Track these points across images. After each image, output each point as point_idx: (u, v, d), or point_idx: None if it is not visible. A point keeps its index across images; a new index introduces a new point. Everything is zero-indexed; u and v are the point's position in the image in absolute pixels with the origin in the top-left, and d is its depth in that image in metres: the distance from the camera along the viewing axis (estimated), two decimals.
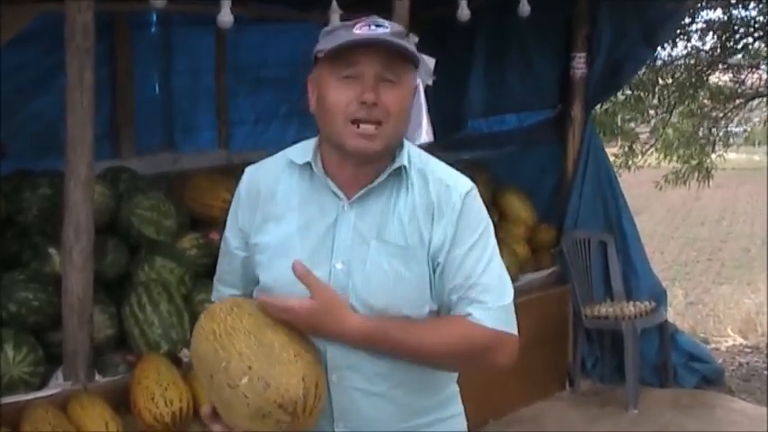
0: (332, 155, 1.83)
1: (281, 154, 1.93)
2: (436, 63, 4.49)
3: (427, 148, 4.96)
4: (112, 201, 4.21)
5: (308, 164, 1.86)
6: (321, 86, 1.81)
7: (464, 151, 6.37)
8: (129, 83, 5.27)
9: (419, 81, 4.37)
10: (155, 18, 5.42)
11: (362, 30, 1.75)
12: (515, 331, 1.83)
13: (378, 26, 1.76)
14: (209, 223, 4.54)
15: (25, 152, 4.79)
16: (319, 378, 1.73)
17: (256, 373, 1.67)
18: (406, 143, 1.88)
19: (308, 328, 1.76)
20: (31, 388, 3.52)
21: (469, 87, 6.19)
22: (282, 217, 1.85)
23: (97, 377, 3.65)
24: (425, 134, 4.37)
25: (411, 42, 1.84)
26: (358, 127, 1.75)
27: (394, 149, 1.84)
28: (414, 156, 1.88)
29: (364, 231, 1.81)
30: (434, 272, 1.82)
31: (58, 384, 3.58)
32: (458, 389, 2.01)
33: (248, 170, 1.96)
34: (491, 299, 1.81)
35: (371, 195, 1.83)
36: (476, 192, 1.88)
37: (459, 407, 2.01)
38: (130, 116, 5.29)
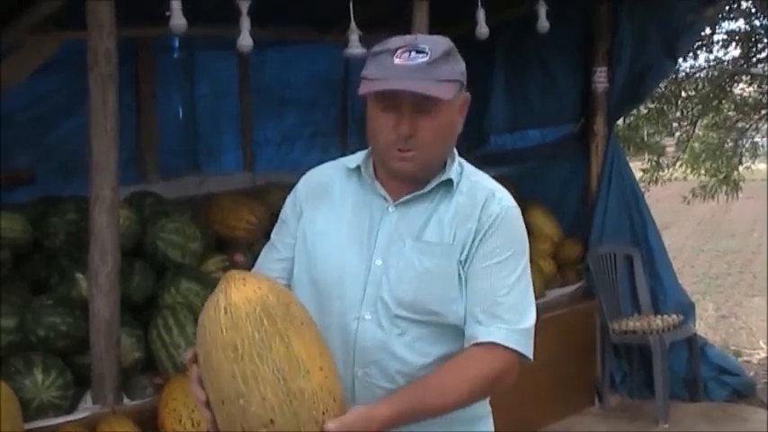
0: (381, 166, 1.93)
1: (338, 160, 2.04)
2: None
3: None
4: (138, 225, 4.25)
5: (359, 168, 1.95)
6: (368, 110, 1.88)
7: (487, 168, 6.33)
8: (153, 107, 5.33)
9: None
10: (177, 43, 5.49)
11: (402, 59, 1.79)
12: (531, 356, 1.87)
13: (418, 52, 1.79)
14: (233, 245, 4.57)
15: (52, 178, 4.86)
16: None
17: (278, 429, 1.56)
18: (459, 159, 1.96)
19: None
20: (60, 411, 3.55)
21: (491, 104, 6.21)
22: (334, 213, 1.94)
23: (125, 400, 3.67)
24: None
25: (452, 65, 1.84)
26: (399, 151, 1.84)
27: (436, 166, 1.90)
28: (467, 169, 1.96)
29: (403, 231, 1.88)
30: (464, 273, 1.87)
31: (86, 408, 3.60)
32: (490, 409, 2.03)
33: (308, 172, 2.06)
34: (514, 319, 1.83)
35: (416, 200, 1.90)
36: (518, 212, 1.94)
37: (489, 427, 2.03)
38: (155, 140, 5.35)
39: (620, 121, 7.13)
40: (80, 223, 4.14)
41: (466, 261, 1.86)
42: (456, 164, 1.93)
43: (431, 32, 4.39)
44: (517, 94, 6.19)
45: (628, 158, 6.89)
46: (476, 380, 1.80)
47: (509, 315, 1.83)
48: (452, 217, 1.87)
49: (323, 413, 1.59)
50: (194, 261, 4.29)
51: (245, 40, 4.03)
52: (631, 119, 8.54)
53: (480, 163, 6.47)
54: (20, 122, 4.76)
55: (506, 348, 1.82)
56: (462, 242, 1.86)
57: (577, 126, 6.16)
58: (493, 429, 2.04)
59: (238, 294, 1.61)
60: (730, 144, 9.38)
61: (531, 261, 6.18)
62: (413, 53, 1.79)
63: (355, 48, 4.36)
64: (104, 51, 3.46)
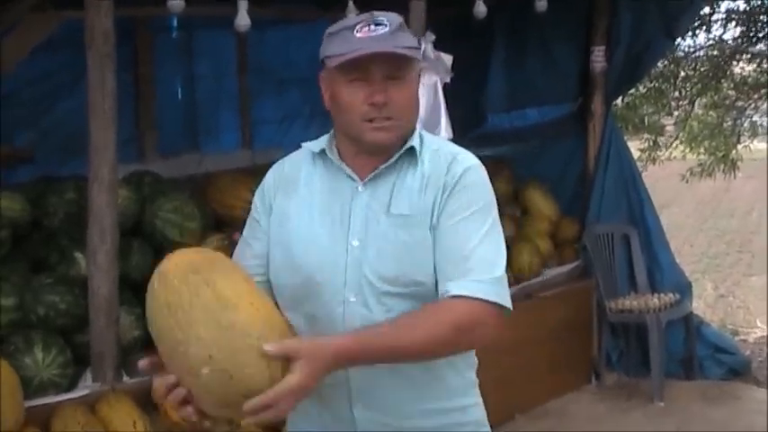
0: (348, 145, 1.93)
1: (302, 147, 2.04)
2: (454, 60, 4.51)
3: None
4: (136, 204, 4.27)
5: (323, 151, 1.96)
6: (333, 87, 1.89)
7: (485, 147, 6.38)
8: (151, 86, 5.34)
9: (437, 78, 4.40)
10: (176, 22, 5.48)
11: (363, 32, 1.82)
12: (507, 303, 1.85)
13: (378, 25, 1.83)
14: (232, 224, 4.58)
15: (51, 158, 4.87)
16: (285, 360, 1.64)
17: (218, 364, 1.57)
18: (418, 129, 1.97)
19: (317, 379, 1.67)
20: (60, 389, 3.59)
21: (489, 83, 6.20)
22: (304, 200, 1.94)
23: (125, 378, 3.70)
24: (444, 131, 4.41)
25: (409, 35, 1.89)
26: (371, 122, 1.85)
27: (407, 137, 1.92)
28: (426, 138, 1.97)
29: (375, 208, 1.89)
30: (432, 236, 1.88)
31: (86, 386, 3.64)
32: (477, 379, 2.05)
33: (274, 165, 2.06)
34: (484, 271, 1.83)
35: (382, 175, 1.91)
36: (482, 170, 1.93)
37: (477, 397, 2.05)
38: (154, 119, 5.36)
39: (618, 101, 7.13)
40: (79, 203, 4.15)
41: (435, 224, 1.87)
42: (417, 135, 1.95)
43: (429, 12, 4.41)
44: (515, 73, 6.18)
45: (626, 138, 6.90)
46: (447, 325, 1.78)
47: (479, 267, 1.82)
48: (419, 186, 1.88)
49: (258, 339, 1.59)
50: (193, 240, 4.30)
51: (243, 20, 4.03)
52: (629, 98, 8.53)
53: (478, 142, 6.50)
54: (19, 102, 4.77)
55: (479, 300, 1.80)
56: (430, 209, 1.87)
57: (575, 105, 6.16)
58: (480, 400, 2.05)
59: (167, 263, 1.69)
60: (729, 123, 9.37)
61: (528, 240, 6.16)
62: (372, 26, 1.82)
63: None
64: (102, 30, 3.47)
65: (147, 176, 4.64)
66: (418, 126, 1.98)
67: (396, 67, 1.83)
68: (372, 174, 1.91)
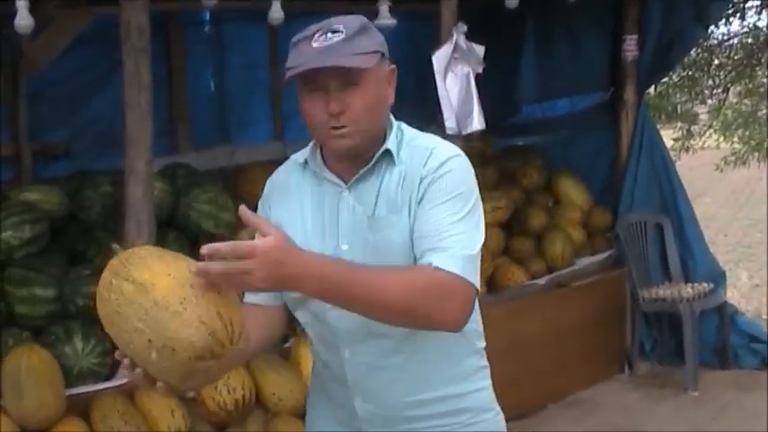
0: (327, 151, 1.96)
1: (290, 158, 2.07)
2: (485, 50, 4.51)
3: (481, 134, 5.01)
4: (171, 196, 4.31)
5: (307, 161, 1.99)
6: (299, 96, 1.91)
7: (517, 137, 6.39)
8: (183, 80, 5.39)
9: (469, 69, 4.41)
10: (207, 16, 5.52)
11: (319, 42, 1.82)
12: (476, 283, 1.84)
13: (333, 32, 1.83)
14: None
15: (85, 152, 4.94)
16: (221, 305, 1.64)
17: (158, 343, 1.60)
18: (396, 124, 1.97)
19: (271, 272, 1.64)
20: (99, 378, 3.65)
21: (521, 73, 6.19)
22: (295, 209, 1.98)
23: None
24: (477, 122, 4.41)
25: (368, 38, 1.87)
26: (333, 128, 1.86)
27: (376, 139, 1.92)
28: (407, 135, 1.96)
29: (359, 212, 1.91)
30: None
31: (124, 375, 3.68)
32: (485, 364, 2.07)
33: (270, 176, 2.09)
34: (457, 247, 1.83)
35: (364, 178, 1.93)
36: (462, 161, 1.92)
37: (483, 381, 2.06)
38: (186, 112, 5.41)
39: (650, 89, 7.09)
40: (115, 196, 4.21)
41: (414, 217, 1.88)
42: (395, 133, 1.95)
43: (461, 2, 4.42)
44: (547, 63, 6.17)
45: (659, 127, 6.86)
46: (420, 286, 1.77)
47: (455, 244, 1.82)
48: (396, 186, 1.89)
49: (180, 302, 1.60)
50: (227, 231, 4.35)
51: (277, 12, 4.05)
52: (662, 87, 8.48)
53: (510, 132, 6.47)
54: (53, 97, 4.84)
55: (454, 274, 1.80)
56: (407, 204, 1.88)
57: (607, 95, 6.15)
58: (489, 384, 2.07)
59: (100, 281, 1.75)
60: (764, 111, 9.28)
61: (560, 230, 6.15)
62: (328, 34, 1.83)
63: (385, 18, 4.35)
64: (138, 25, 3.50)
65: (181, 169, 4.69)
66: (394, 122, 1.97)
67: (349, 75, 1.83)
68: (354, 178, 1.92)
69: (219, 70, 5.67)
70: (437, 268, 1.79)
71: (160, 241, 3.85)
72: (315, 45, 1.82)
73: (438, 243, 1.82)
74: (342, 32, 1.83)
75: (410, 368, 1.94)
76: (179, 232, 4.27)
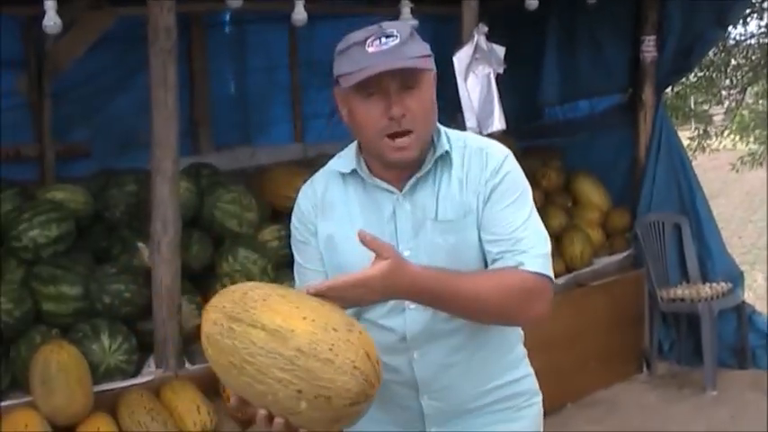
0: (375, 160, 1.94)
1: (326, 167, 2.05)
2: (506, 51, 4.54)
3: (502, 135, 5.06)
4: (196, 196, 4.36)
5: (355, 170, 1.97)
6: (349, 104, 1.89)
7: (538, 138, 6.41)
8: (205, 81, 5.43)
9: (490, 70, 4.44)
10: (229, 17, 5.56)
11: (375, 46, 1.81)
12: (553, 276, 1.91)
13: (388, 37, 1.82)
14: (287, 215, 4.65)
15: (108, 151, 4.98)
16: (364, 343, 1.62)
17: (310, 394, 1.56)
18: (440, 127, 1.98)
19: (384, 293, 1.74)
20: (126, 375, 3.70)
21: (544, 75, 6.20)
22: (344, 220, 1.96)
23: (187, 365, 3.80)
24: (498, 122, 4.44)
25: (419, 42, 1.88)
26: (393, 140, 1.85)
27: (429, 142, 1.93)
28: (452, 137, 1.98)
29: (420, 216, 1.93)
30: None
31: (150, 372, 3.74)
32: (525, 351, 2.14)
33: (301, 190, 2.07)
34: (534, 248, 1.88)
35: (420, 182, 1.94)
36: (513, 159, 1.97)
37: (528, 368, 2.14)
38: (208, 113, 5.45)
39: (668, 90, 7.10)
40: (139, 195, 4.25)
41: (481, 218, 1.91)
42: (443, 136, 1.96)
43: (481, 3, 4.45)
44: (569, 64, 6.19)
45: (675, 127, 6.87)
46: (515, 287, 1.83)
47: (531, 245, 1.88)
48: (458, 190, 1.92)
49: (330, 349, 1.56)
50: (251, 230, 4.39)
51: (300, 14, 4.10)
52: (680, 87, 8.47)
53: (532, 134, 6.48)
54: (76, 98, 4.89)
55: (540, 274, 1.86)
56: (474, 208, 1.91)
57: (625, 96, 6.16)
58: (532, 371, 2.14)
59: (206, 324, 1.70)
60: None
61: (579, 230, 6.16)
62: (383, 39, 1.82)
63: (407, 19, 4.39)
64: (164, 27, 3.55)
65: (205, 169, 4.74)
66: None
67: (410, 77, 1.83)
68: (409, 184, 1.93)
69: (241, 71, 5.71)
70: (524, 270, 1.85)
71: (184, 240, 3.90)
72: (371, 50, 1.81)
73: (516, 245, 1.87)
74: (396, 37, 1.82)
75: (475, 361, 1.99)
76: (203, 231, 4.31)
